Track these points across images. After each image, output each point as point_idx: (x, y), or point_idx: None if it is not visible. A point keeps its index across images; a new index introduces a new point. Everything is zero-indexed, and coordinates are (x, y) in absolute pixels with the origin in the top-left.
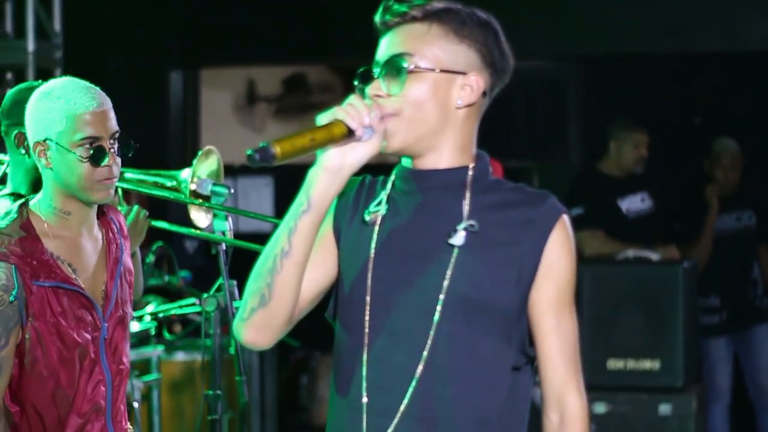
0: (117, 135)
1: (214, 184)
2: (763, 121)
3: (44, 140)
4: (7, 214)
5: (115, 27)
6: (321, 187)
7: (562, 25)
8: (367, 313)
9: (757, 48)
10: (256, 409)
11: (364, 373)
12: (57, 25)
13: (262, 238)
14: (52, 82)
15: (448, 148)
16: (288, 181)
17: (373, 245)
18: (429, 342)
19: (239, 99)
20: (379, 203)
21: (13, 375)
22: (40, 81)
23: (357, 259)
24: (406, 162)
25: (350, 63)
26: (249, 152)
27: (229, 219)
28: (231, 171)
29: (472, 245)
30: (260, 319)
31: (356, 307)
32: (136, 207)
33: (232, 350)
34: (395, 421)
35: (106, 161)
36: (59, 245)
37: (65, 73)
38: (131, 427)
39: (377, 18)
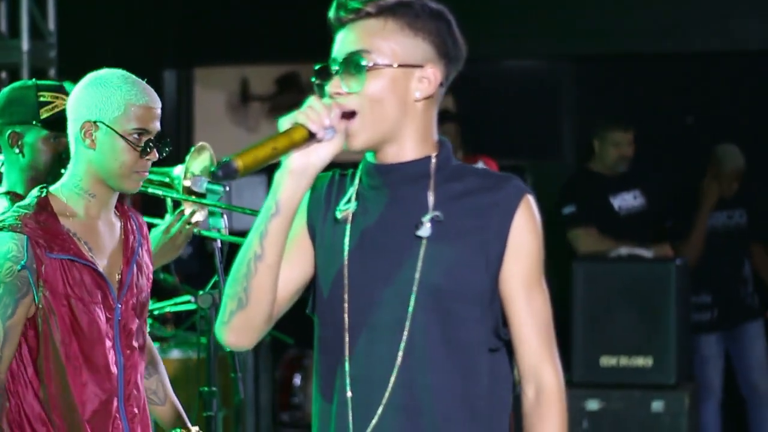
0: (156, 135)
1: (210, 182)
2: (757, 120)
3: (95, 122)
4: (29, 196)
5: (109, 26)
6: (288, 189)
7: (556, 25)
8: (346, 310)
9: (753, 48)
10: (250, 407)
11: (347, 368)
12: (51, 24)
13: None
14: (108, 71)
15: (410, 141)
16: None
17: (346, 243)
18: (405, 333)
19: (233, 98)
20: (349, 200)
21: (32, 348)
22: (33, 80)
23: (333, 258)
24: (370, 156)
25: None
26: (212, 169)
27: (225, 216)
28: None
29: (439, 235)
30: (240, 322)
31: (335, 305)
32: (185, 217)
33: (227, 348)
34: (379, 411)
35: (149, 155)
36: (76, 224)
37: (60, 72)
38: None
39: (331, 14)
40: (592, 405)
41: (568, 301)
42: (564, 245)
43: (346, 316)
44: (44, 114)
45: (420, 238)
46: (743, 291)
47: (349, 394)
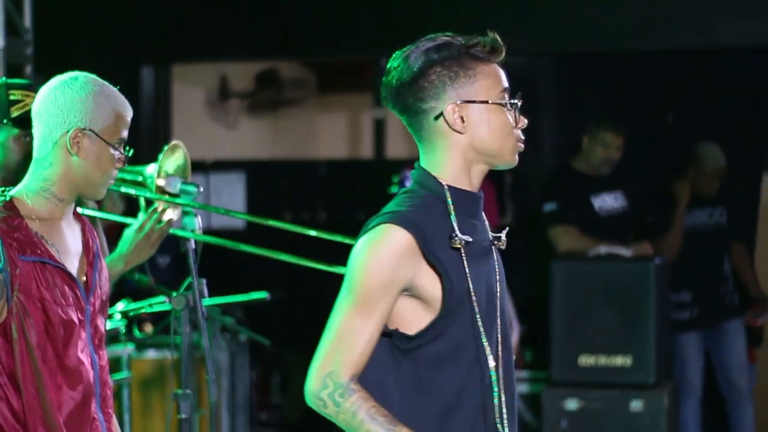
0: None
1: (184, 183)
2: (737, 118)
3: (84, 129)
4: None
5: (85, 23)
6: None
7: (536, 22)
8: (482, 328)
9: (732, 45)
10: (226, 407)
11: (492, 374)
12: (27, 21)
13: (234, 235)
14: (83, 77)
15: None
16: (259, 177)
17: (467, 270)
18: (499, 337)
19: (211, 95)
20: (460, 231)
21: (8, 352)
22: (3, 79)
23: (459, 283)
24: (462, 184)
25: (322, 59)
26: None
27: (198, 217)
28: (202, 167)
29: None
30: None
31: (471, 326)
32: (156, 215)
33: (202, 348)
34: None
35: (124, 164)
36: (42, 227)
37: (36, 69)
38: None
39: (500, 52)
40: (571, 404)
41: (546, 300)
42: (544, 243)
43: (482, 331)
44: (15, 112)
45: (492, 252)
46: (723, 289)
47: (506, 420)
